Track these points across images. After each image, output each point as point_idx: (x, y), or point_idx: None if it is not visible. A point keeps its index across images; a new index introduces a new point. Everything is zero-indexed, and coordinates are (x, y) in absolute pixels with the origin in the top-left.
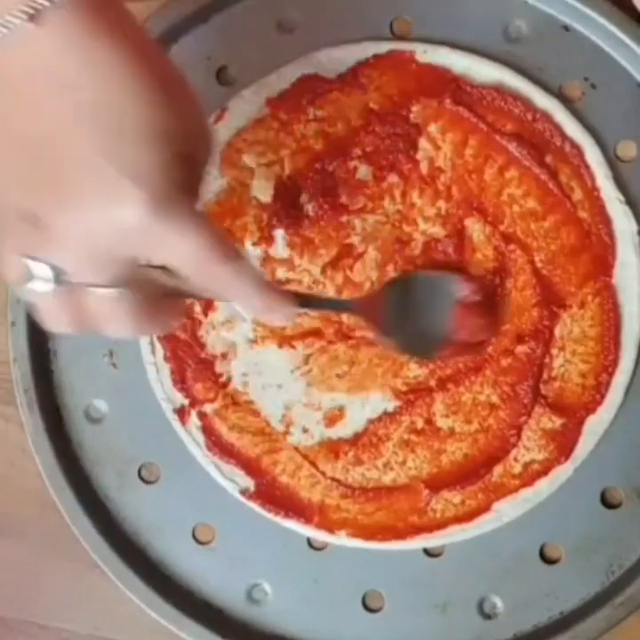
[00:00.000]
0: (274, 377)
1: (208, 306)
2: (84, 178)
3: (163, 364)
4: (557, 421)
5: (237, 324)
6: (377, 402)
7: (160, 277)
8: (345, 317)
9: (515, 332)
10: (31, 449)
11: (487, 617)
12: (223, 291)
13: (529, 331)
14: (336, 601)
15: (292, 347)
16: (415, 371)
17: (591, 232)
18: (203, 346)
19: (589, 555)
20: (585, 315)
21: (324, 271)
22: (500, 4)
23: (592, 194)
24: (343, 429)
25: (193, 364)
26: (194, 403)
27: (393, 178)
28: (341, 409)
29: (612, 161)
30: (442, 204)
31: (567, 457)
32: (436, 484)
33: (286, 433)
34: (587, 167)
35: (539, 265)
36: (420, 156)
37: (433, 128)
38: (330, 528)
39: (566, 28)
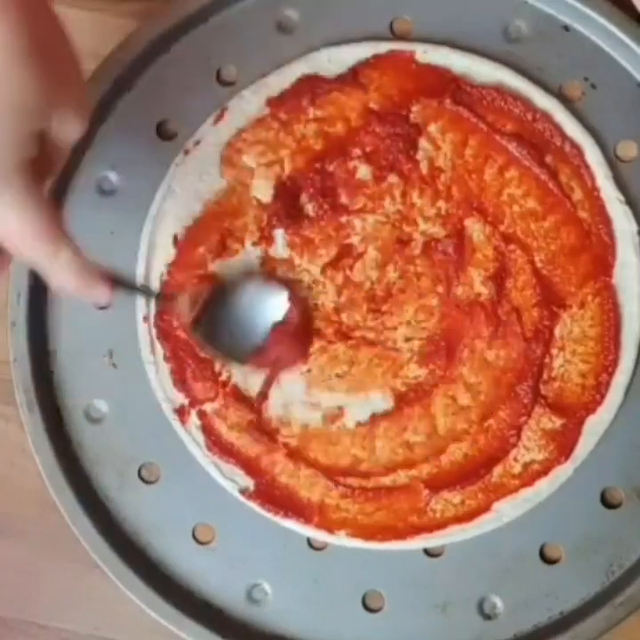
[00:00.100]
0: None
1: None
2: None
3: (163, 363)
4: (557, 421)
5: None
6: (377, 402)
7: None
8: (344, 317)
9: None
10: (31, 449)
11: (487, 617)
12: (39, 268)
13: (529, 331)
14: (336, 601)
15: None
16: (415, 371)
17: (591, 232)
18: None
19: (589, 555)
20: (585, 315)
21: (324, 271)
22: (499, 4)
23: (592, 194)
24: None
25: (193, 363)
26: (194, 402)
27: (393, 178)
28: (341, 409)
29: (612, 161)
30: (442, 203)
31: (567, 457)
32: (436, 484)
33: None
34: (587, 167)
35: (539, 265)
36: (420, 155)
37: (433, 128)
38: (330, 528)
39: (566, 28)
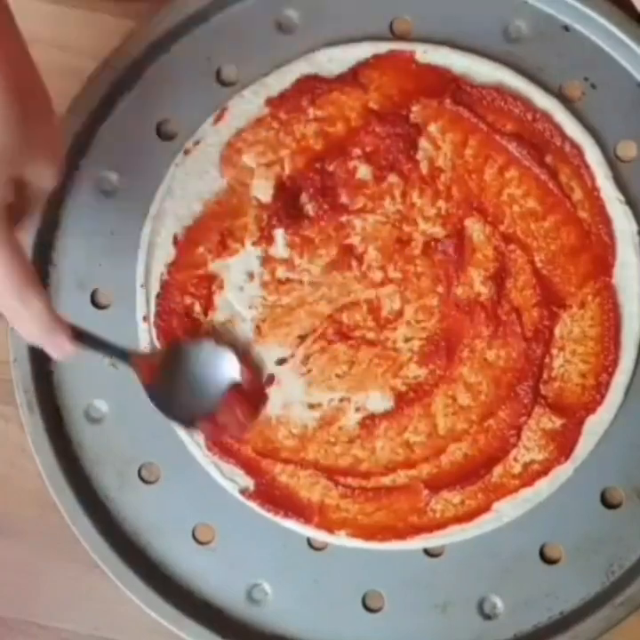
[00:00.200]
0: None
1: (208, 306)
2: None
3: None
4: (557, 421)
5: (237, 324)
6: (377, 401)
7: None
8: (345, 317)
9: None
10: (31, 449)
11: (487, 617)
12: (6, 314)
13: (529, 331)
14: (336, 601)
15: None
16: (415, 371)
17: (591, 232)
18: None
19: (589, 555)
20: (585, 315)
21: (323, 271)
22: (499, 4)
23: (592, 194)
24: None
25: None
26: None
27: (393, 178)
28: (341, 409)
29: (612, 161)
30: (442, 203)
31: (567, 457)
32: (436, 484)
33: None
34: (587, 167)
35: (539, 265)
36: (420, 155)
37: (433, 128)
38: (330, 528)
39: (566, 27)
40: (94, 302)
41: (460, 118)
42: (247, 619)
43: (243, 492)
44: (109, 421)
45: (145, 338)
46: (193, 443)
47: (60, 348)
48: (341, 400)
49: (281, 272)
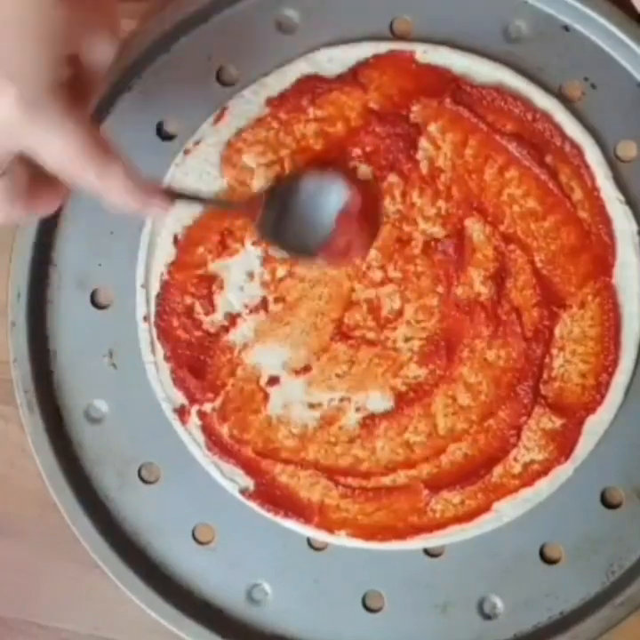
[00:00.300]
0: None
1: (208, 306)
2: None
3: (163, 363)
4: (557, 421)
5: (237, 324)
6: (377, 401)
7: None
8: (345, 317)
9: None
10: (31, 449)
11: (487, 617)
12: (91, 189)
13: (529, 331)
14: (336, 601)
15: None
16: (415, 371)
17: (591, 232)
18: (202, 345)
19: (589, 555)
20: (585, 315)
21: (323, 271)
22: (499, 4)
23: (592, 194)
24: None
25: (193, 363)
26: (193, 402)
27: (393, 178)
28: (341, 409)
29: (612, 161)
30: (442, 203)
31: (567, 457)
32: (436, 484)
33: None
34: (587, 167)
35: (539, 265)
36: (419, 155)
37: (433, 128)
38: (330, 528)
39: (566, 27)
40: (94, 302)
41: (459, 118)
42: (247, 619)
43: (243, 492)
44: (109, 421)
45: (145, 338)
46: (193, 443)
47: (157, 206)
48: (341, 400)
49: (281, 272)
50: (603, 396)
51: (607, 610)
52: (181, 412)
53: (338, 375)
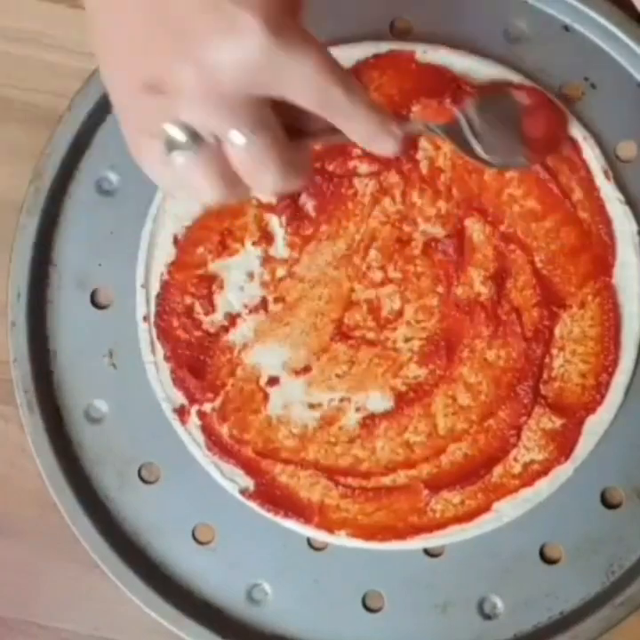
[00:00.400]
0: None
1: (208, 306)
2: (198, 21)
3: (163, 363)
4: (557, 421)
5: (237, 324)
6: (377, 401)
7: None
8: (345, 317)
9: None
10: (31, 449)
11: (487, 617)
12: (339, 115)
13: (529, 331)
14: (336, 601)
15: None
16: (415, 371)
17: (591, 232)
18: (202, 345)
19: (589, 555)
20: (585, 315)
21: (323, 271)
22: (499, 4)
23: (592, 194)
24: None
25: (193, 363)
26: (193, 402)
27: (393, 178)
28: (341, 409)
29: (612, 161)
30: (442, 204)
31: (567, 457)
32: (436, 484)
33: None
34: (587, 167)
35: (539, 265)
36: (419, 155)
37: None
38: (330, 528)
39: (566, 27)
40: (94, 302)
41: None
42: (247, 619)
43: (243, 492)
44: (109, 421)
45: (145, 338)
46: (193, 443)
47: (391, 135)
48: (341, 400)
49: (281, 272)
50: (603, 396)
51: (607, 610)
52: (181, 412)
53: (338, 375)
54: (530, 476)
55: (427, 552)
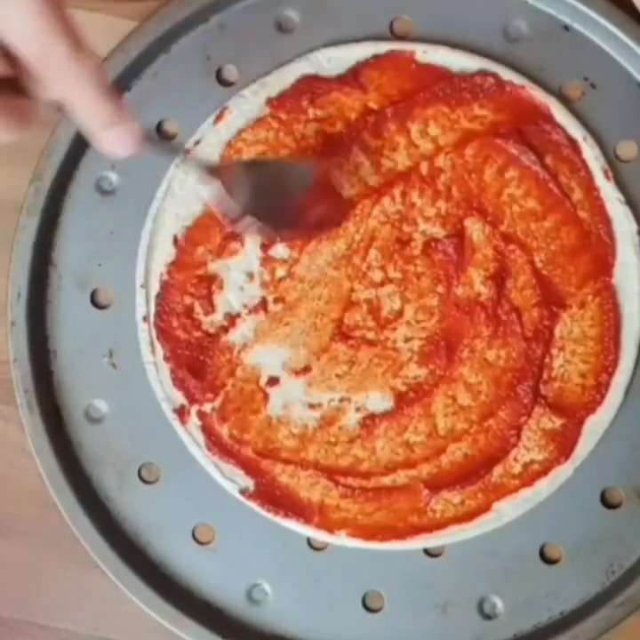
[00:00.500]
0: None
1: (208, 307)
2: None
3: (163, 363)
4: (557, 421)
5: (237, 324)
6: (377, 401)
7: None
8: (345, 317)
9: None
10: (31, 449)
11: (487, 617)
12: (59, 78)
13: (529, 331)
14: (336, 601)
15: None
16: (415, 371)
17: (591, 232)
18: (202, 345)
19: (589, 555)
20: (585, 315)
21: (323, 271)
22: (500, 4)
23: (592, 194)
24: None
25: (192, 363)
26: (193, 402)
27: None
28: (341, 409)
29: (612, 161)
30: (442, 204)
31: (567, 457)
32: (436, 484)
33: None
34: (586, 167)
35: (539, 265)
36: (419, 156)
37: (433, 128)
38: (330, 528)
39: (566, 27)
40: (94, 302)
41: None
42: (247, 619)
43: (243, 492)
44: (109, 421)
45: (145, 338)
46: (193, 443)
47: (124, 130)
48: (341, 400)
49: (281, 272)
50: (603, 396)
51: (607, 610)
52: (181, 413)
53: (338, 375)
54: (530, 476)
55: (427, 552)
